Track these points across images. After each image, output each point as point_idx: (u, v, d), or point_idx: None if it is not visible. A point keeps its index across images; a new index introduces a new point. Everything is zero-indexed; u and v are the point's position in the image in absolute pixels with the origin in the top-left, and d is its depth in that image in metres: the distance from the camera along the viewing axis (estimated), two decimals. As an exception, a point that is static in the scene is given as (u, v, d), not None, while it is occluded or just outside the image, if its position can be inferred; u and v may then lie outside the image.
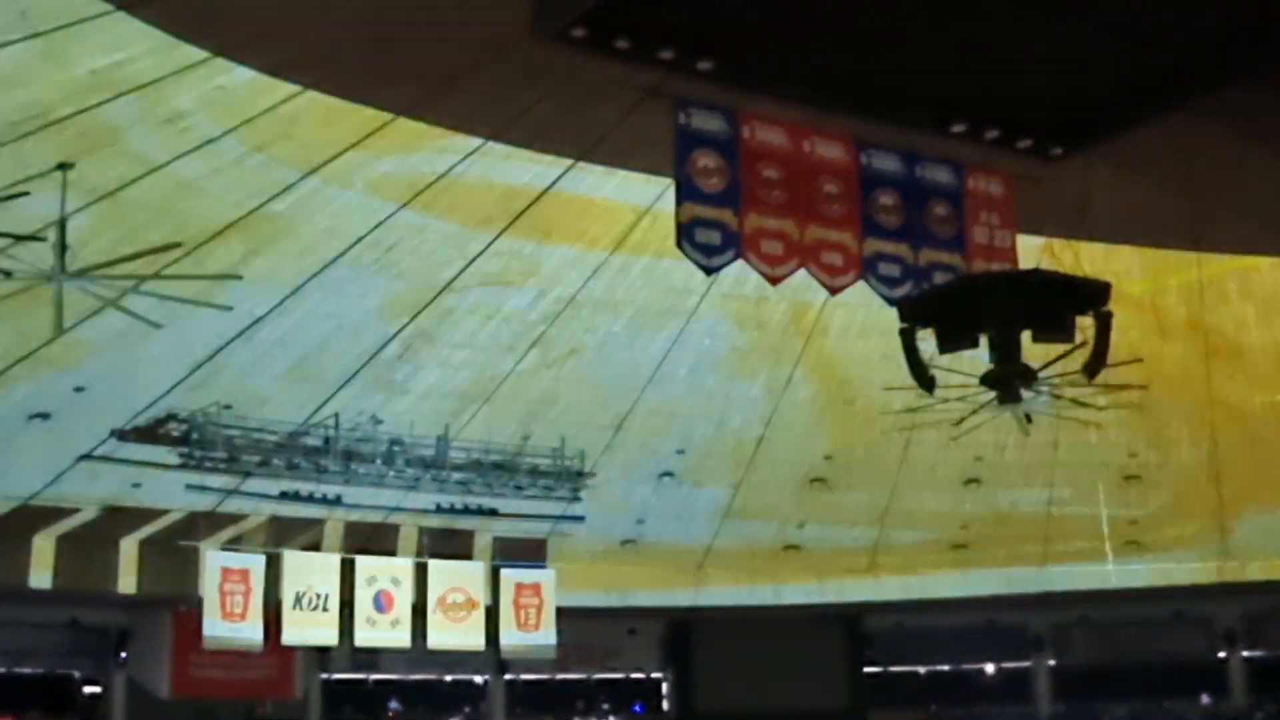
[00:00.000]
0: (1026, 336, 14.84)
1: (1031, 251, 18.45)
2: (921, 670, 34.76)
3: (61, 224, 15.81)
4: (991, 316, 14.62)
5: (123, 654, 29.08)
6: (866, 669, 33.88)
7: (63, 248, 15.69)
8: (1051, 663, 34.17)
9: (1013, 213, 17.15)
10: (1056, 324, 14.41)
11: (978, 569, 31.86)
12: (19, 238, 14.71)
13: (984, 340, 14.89)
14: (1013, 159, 16.95)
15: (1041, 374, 15.94)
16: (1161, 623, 33.10)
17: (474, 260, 22.06)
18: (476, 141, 18.86)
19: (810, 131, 15.93)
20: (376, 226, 20.85)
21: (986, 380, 15.73)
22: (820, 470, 29.36)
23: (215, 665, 28.08)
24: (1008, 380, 15.52)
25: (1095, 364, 14.90)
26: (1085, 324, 14.56)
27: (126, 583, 26.37)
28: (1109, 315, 14.60)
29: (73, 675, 29.52)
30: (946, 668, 34.67)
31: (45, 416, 22.55)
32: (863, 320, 24.71)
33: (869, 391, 25.93)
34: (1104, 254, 21.98)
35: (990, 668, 34.52)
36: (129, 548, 26.08)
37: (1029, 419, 17.44)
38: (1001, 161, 16.98)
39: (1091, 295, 14.60)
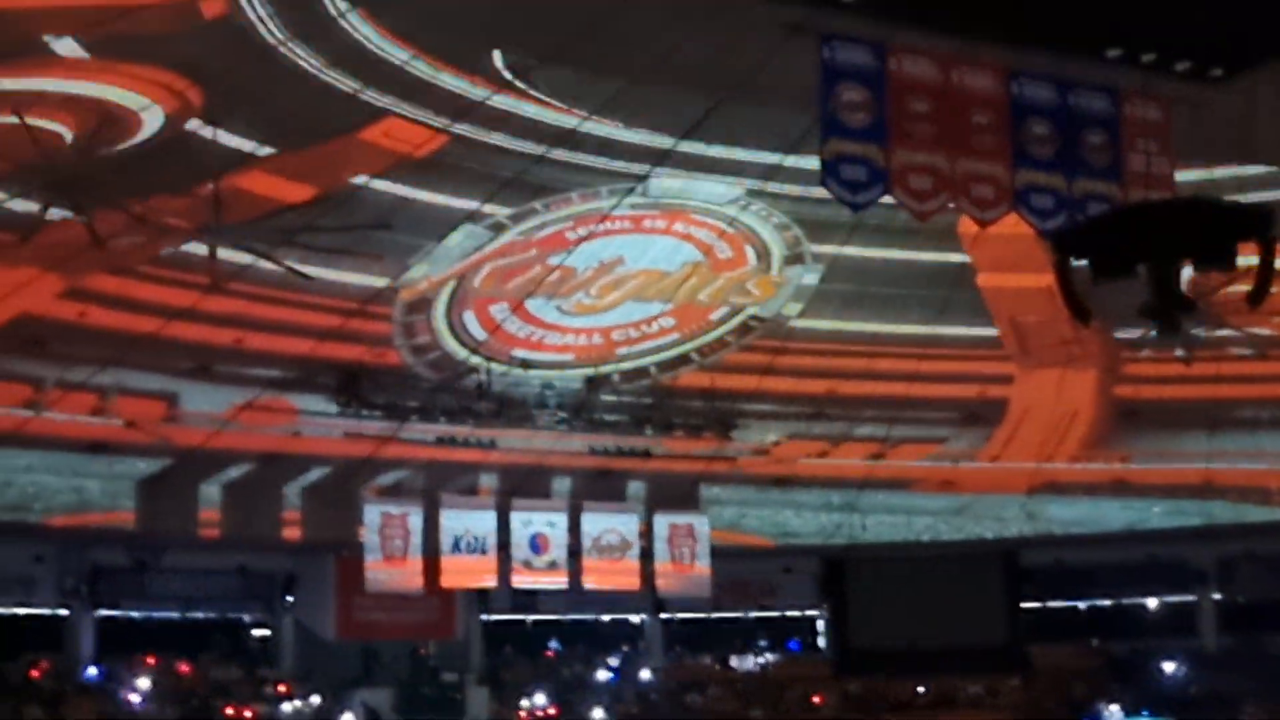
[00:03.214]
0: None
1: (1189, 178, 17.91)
2: (1081, 605, 34.22)
3: (216, 180, 16.12)
4: (1150, 247, 14.16)
5: (289, 598, 29.74)
6: (1024, 604, 33.43)
7: (217, 203, 16.01)
8: (1216, 596, 33.40)
9: (1170, 139, 16.60)
10: (1218, 253, 13.93)
11: (1138, 503, 31.21)
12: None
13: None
14: (1171, 83, 16.39)
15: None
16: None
17: (618, 204, 22.08)
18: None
19: (959, 61, 15.57)
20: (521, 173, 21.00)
21: (1145, 312, 15.29)
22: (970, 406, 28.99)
23: (378, 608, 28.62)
24: (1167, 312, 15.06)
25: (1260, 292, 14.41)
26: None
27: (290, 529, 26.98)
28: (1275, 241, 14.09)
29: (242, 619, 30.33)
30: (1107, 602, 34.07)
31: (206, 369, 23.11)
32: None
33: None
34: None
35: (1153, 602, 33.82)
36: (291, 495, 26.67)
37: (1190, 351, 16.96)
38: (1159, 86, 16.43)
39: (1255, 222, 14.09)
